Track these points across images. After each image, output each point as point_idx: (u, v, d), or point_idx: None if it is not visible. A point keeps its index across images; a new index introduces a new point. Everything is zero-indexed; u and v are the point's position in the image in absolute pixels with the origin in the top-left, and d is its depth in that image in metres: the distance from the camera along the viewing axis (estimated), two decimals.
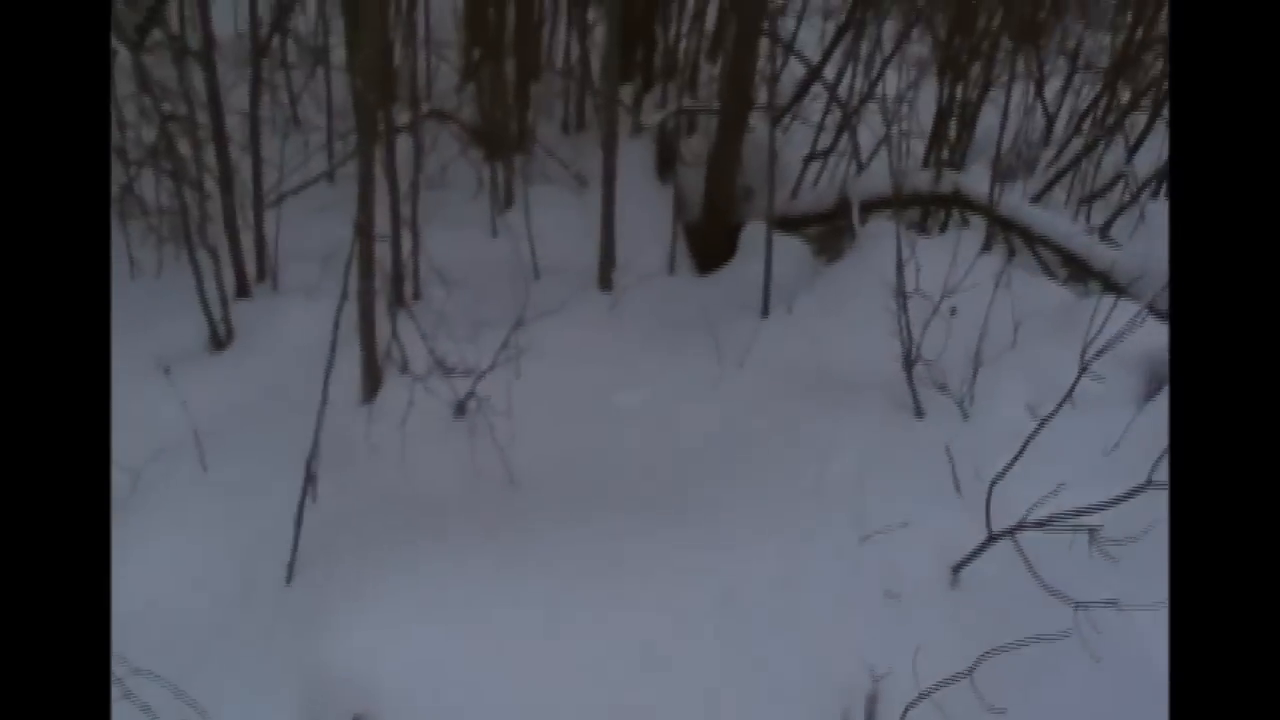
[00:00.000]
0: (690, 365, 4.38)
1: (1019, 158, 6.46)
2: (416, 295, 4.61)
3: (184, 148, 4.73)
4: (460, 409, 3.96)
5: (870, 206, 5.54)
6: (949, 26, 6.12)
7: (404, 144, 4.87)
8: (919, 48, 6.78)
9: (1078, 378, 3.32)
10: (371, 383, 4.06)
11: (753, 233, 5.35)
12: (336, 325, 3.76)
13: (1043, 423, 3.36)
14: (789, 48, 6.37)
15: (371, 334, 4.03)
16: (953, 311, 4.25)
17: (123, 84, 5.08)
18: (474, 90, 5.86)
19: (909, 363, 4.08)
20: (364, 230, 3.92)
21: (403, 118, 5.18)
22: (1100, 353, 3.26)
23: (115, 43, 5.08)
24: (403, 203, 4.54)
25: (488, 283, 4.66)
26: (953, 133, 6.05)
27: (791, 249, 5.30)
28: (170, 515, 3.46)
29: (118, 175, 5.04)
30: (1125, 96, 6.58)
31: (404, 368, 4.06)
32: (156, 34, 5.39)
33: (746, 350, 4.42)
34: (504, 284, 4.57)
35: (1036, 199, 6.03)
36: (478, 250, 5.01)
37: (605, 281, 4.97)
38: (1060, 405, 3.38)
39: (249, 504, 3.46)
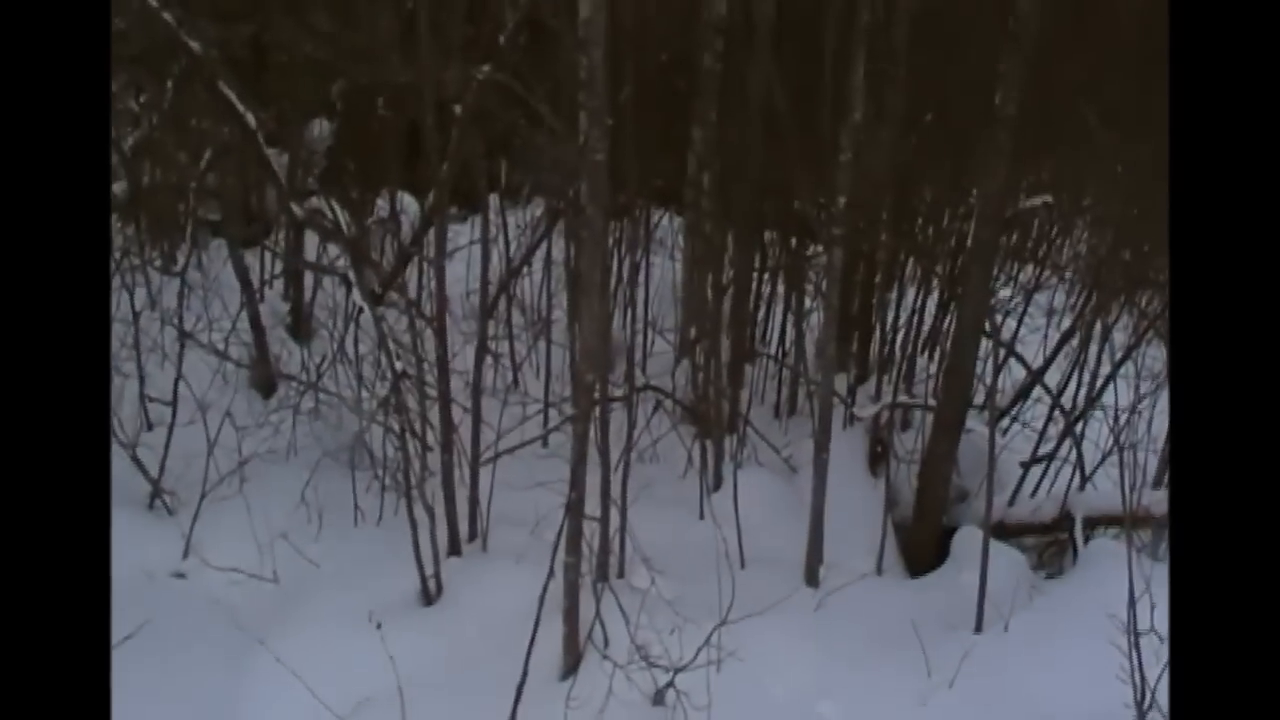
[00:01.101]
0: (897, 678, 4.52)
1: None
2: (620, 574, 5.00)
3: (411, 404, 5.43)
4: (659, 699, 4.25)
5: (1095, 523, 5.68)
6: None
7: (617, 416, 5.42)
8: (1153, 356, 7.01)
9: None
10: (571, 659, 4.41)
11: (966, 537, 5.54)
12: (541, 602, 4.20)
13: None
14: (1010, 349, 6.74)
15: (575, 612, 4.42)
16: None
17: (363, 341, 5.90)
18: (689, 368, 6.46)
19: (1141, 711, 4.06)
20: (574, 509, 4.39)
21: (618, 390, 5.78)
22: None
23: (359, 299, 5.95)
24: (612, 474, 5.03)
25: (693, 568, 4.99)
26: None
27: (1007, 558, 5.42)
28: None
29: (350, 424, 5.78)
30: None
31: (605, 651, 4.40)
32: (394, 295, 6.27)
33: (957, 669, 4.54)
34: (709, 571, 4.89)
35: None
36: (684, 532, 5.40)
37: (812, 578, 5.24)
38: None
39: None
